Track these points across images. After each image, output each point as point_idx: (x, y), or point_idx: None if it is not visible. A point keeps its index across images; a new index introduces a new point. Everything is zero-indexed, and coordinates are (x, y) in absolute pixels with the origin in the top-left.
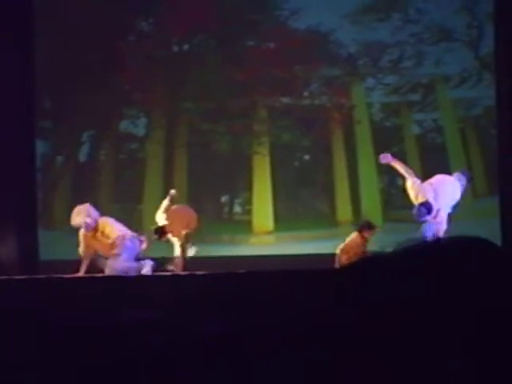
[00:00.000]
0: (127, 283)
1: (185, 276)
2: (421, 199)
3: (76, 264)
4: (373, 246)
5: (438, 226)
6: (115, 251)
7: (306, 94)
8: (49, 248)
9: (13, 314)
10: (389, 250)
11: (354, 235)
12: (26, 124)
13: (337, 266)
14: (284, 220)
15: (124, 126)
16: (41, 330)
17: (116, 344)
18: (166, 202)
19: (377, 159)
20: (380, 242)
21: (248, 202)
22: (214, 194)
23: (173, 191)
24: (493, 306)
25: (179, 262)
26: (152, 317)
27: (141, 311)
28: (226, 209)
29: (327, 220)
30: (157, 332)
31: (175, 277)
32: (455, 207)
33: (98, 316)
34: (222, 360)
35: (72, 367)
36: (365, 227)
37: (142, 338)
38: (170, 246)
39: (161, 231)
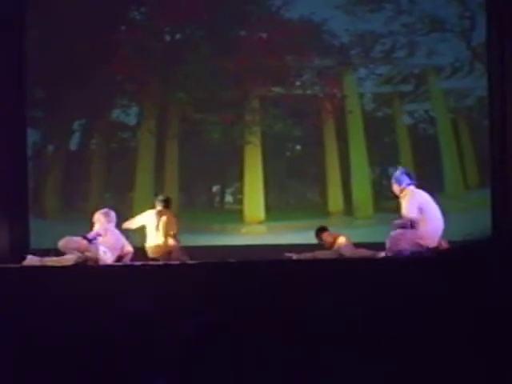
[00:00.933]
0: (118, 272)
1: (175, 265)
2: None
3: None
4: (364, 238)
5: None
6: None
7: (297, 83)
8: (40, 237)
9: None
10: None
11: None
12: (17, 113)
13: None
14: (275, 210)
15: (115, 115)
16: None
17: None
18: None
19: (368, 150)
20: (372, 232)
21: (239, 191)
22: (206, 184)
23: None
24: None
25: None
26: (143, 306)
27: (132, 301)
28: (218, 198)
29: (318, 210)
30: (148, 322)
31: (166, 266)
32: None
33: (87, 305)
34: (212, 349)
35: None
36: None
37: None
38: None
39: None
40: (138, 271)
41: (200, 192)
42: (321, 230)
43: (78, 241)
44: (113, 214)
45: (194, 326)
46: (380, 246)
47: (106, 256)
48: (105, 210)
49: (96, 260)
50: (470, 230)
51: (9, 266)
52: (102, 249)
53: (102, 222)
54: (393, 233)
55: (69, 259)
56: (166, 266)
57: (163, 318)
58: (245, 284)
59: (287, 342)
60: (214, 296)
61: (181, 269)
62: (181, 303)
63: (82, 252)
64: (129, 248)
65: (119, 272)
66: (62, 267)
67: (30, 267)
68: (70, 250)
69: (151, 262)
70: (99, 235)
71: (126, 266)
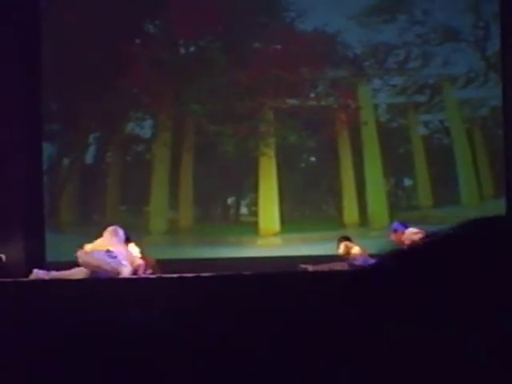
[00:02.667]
0: (133, 285)
1: (191, 278)
2: None
3: None
4: (380, 249)
5: None
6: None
7: (312, 95)
8: (55, 250)
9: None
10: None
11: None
12: (33, 126)
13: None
14: (290, 222)
15: (130, 128)
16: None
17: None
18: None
19: (383, 161)
20: (387, 243)
21: (254, 203)
22: (221, 196)
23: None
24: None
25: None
26: (158, 318)
27: (147, 313)
28: (233, 210)
29: (334, 222)
30: (163, 333)
31: (181, 278)
32: None
33: (104, 317)
34: (229, 360)
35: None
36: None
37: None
38: None
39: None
40: (153, 284)
41: (215, 204)
42: (342, 240)
43: (99, 257)
44: (121, 232)
45: (209, 338)
46: None
47: (127, 269)
48: (113, 227)
49: (117, 274)
50: None
51: (25, 279)
52: (123, 262)
53: (109, 239)
54: None
55: (77, 273)
56: (180, 277)
57: (177, 330)
58: (260, 296)
59: (299, 354)
60: (229, 308)
61: (196, 281)
62: (196, 316)
63: (100, 267)
64: (139, 261)
65: (130, 285)
66: (78, 280)
67: (46, 280)
68: (91, 266)
69: (165, 275)
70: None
71: (137, 279)
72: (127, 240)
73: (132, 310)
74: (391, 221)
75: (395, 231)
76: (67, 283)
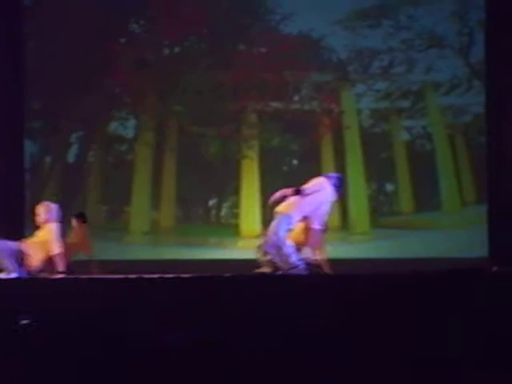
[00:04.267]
0: (117, 284)
1: (171, 278)
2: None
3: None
4: (361, 253)
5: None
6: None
7: (295, 98)
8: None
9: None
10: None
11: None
12: (15, 124)
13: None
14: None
15: (113, 127)
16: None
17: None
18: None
19: (365, 165)
20: (368, 248)
21: (236, 205)
22: (203, 197)
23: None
24: None
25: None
26: (138, 319)
27: (129, 313)
28: (214, 212)
29: None
30: (142, 333)
31: (161, 279)
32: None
33: (84, 317)
34: (206, 363)
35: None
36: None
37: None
38: None
39: None
40: (133, 284)
41: (197, 205)
42: None
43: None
44: (54, 209)
45: (184, 340)
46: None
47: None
48: (46, 203)
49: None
50: (467, 246)
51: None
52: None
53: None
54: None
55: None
56: (160, 278)
57: (154, 331)
58: (240, 298)
59: (281, 357)
60: (208, 310)
61: (177, 282)
62: (174, 317)
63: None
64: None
65: (113, 285)
66: (55, 279)
67: (24, 279)
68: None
69: (146, 276)
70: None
71: (114, 279)
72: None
73: (111, 311)
74: (373, 226)
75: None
76: (43, 281)
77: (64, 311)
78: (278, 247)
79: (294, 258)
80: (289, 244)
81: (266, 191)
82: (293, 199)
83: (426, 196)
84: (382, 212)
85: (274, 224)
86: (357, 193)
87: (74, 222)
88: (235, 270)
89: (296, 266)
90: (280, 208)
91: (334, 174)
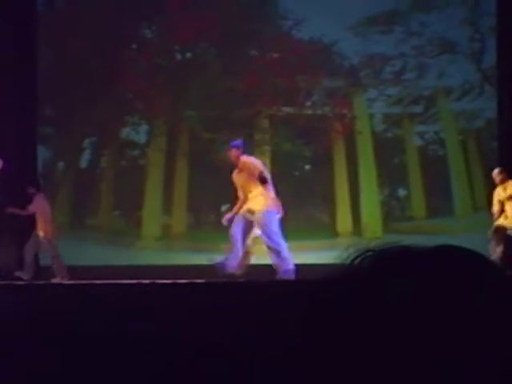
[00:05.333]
0: (126, 290)
1: (184, 284)
2: None
3: (74, 270)
4: None
5: None
6: None
7: (308, 104)
8: (49, 254)
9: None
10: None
11: None
12: (28, 130)
13: None
14: (284, 229)
15: (125, 133)
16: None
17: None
18: None
19: (377, 170)
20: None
21: None
22: (214, 203)
23: None
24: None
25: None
26: (151, 325)
27: (140, 320)
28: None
29: (327, 230)
30: (156, 339)
31: (174, 285)
32: None
33: (94, 322)
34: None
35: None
36: None
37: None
38: None
39: None
40: (145, 289)
41: (208, 211)
42: None
43: None
44: None
45: (194, 348)
46: None
47: None
48: None
49: None
50: (480, 250)
51: (18, 282)
52: None
53: None
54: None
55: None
56: (173, 284)
57: (165, 335)
58: (253, 304)
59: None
60: (220, 316)
61: (189, 288)
62: (189, 322)
63: None
64: None
65: (120, 290)
66: (71, 284)
67: (39, 284)
68: None
69: (159, 281)
70: None
71: (128, 285)
72: None
73: (124, 317)
74: (385, 231)
75: (233, 148)
76: (57, 286)
77: (73, 315)
78: (277, 252)
79: (289, 262)
80: (284, 246)
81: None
82: (258, 192)
83: (439, 201)
84: (394, 217)
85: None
86: (369, 198)
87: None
88: (247, 276)
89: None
90: (254, 206)
91: (239, 142)
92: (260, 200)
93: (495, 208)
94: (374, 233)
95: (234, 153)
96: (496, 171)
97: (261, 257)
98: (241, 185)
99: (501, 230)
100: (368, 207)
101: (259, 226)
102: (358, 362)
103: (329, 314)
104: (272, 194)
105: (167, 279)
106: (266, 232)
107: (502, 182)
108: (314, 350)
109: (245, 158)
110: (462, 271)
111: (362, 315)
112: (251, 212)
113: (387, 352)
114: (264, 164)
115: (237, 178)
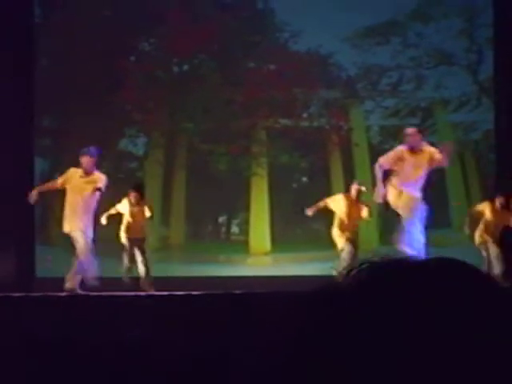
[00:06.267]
0: (124, 302)
1: (181, 296)
2: None
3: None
4: None
5: None
6: None
7: (304, 115)
8: (46, 264)
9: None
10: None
11: None
12: (26, 141)
13: None
14: (281, 241)
15: (123, 144)
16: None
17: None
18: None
19: (374, 182)
20: None
21: (245, 222)
22: (212, 214)
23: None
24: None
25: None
26: (147, 336)
27: (137, 331)
28: (224, 229)
29: (324, 242)
30: (152, 351)
31: (171, 296)
32: None
33: (93, 334)
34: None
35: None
36: None
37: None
38: None
39: None
40: (143, 301)
41: (206, 222)
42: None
43: None
44: None
45: (194, 358)
46: None
47: None
48: None
49: None
50: (478, 263)
51: (14, 294)
52: None
53: None
54: None
55: None
56: (169, 296)
57: (162, 347)
58: (249, 316)
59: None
60: (216, 327)
61: (186, 299)
62: (185, 334)
63: None
64: None
65: (118, 302)
66: (67, 296)
67: (35, 296)
68: None
69: (156, 293)
70: None
71: (127, 297)
72: None
73: (123, 327)
74: (380, 244)
75: (88, 155)
76: (54, 298)
77: (72, 329)
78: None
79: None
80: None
81: (275, 208)
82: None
83: (436, 213)
84: (390, 229)
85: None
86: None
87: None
88: (245, 287)
89: None
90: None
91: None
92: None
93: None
94: (371, 245)
95: (87, 160)
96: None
97: (258, 269)
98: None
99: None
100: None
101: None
102: (353, 370)
103: (325, 323)
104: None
105: (165, 291)
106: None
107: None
108: (309, 360)
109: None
110: (453, 283)
111: (356, 325)
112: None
113: (382, 360)
114: (261, 177)
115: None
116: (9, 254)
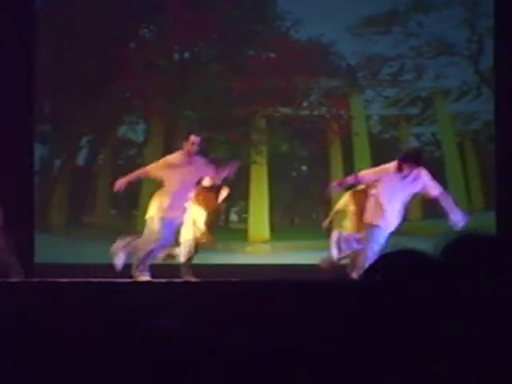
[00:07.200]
0: (123, 289)
1: (178, 283)
2: None
3: (71, 268)
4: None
5: None
6: None
7: (305, 104)
8: (44, 251)
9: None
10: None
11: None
12: (25, 127)
13: None
14: (280, 230)
15: (123, 131)
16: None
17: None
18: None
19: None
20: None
21: (244, 210)
22: None
23: None
24: None
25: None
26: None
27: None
28: (222, 217)
29: (323, 231)
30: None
31: (169, 284)
32: None
33: (89, 320)
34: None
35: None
36: None
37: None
38: None
39: None
40: (141, 288)
41: None
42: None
43: None
44: None
45: (191, 348)
46: None
47: None
48: None
49: None
50: None
51: (13, 280)
52: None
53: None
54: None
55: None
56: (167, 283)
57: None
58: (248, 304)
59: (287, 368)
60: (215, 315)
61: (183, 286)
62: (181, 322)
63: None
64: None
65: (121, 289)
66: (66, 282)
67: (34, 282)
68: None
69: (155, 280)
70: None
71: (128, 282)
72: None
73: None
74: None
75: None
76: (53, 284)
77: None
78: None
79: None
80: None
81: (275, 196)
82: None
83: (434, 203)
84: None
85: None
86: None
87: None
88: (243, 275)
89: None
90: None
91: None
92: None
93: None
94: None
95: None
96: None
97: (257, 257)
98: None
99: None
100: None
101: None
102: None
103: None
104: None
105: (164, 278)
106: None
107: None
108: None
109: None
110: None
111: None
112: None
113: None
114: (260, 165)
115: None
116: (8, 240)
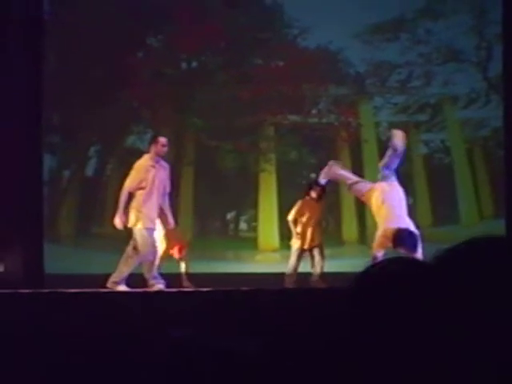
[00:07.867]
0: (131, 298)
1: (189, 292)
2: None
3: (80, 278)
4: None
5: None
6: None
7: (313, 112)
8: (54, 262)
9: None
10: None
11: None
12: (34, 138)
13: None
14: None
15: (131, 141)
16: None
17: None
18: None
19: None
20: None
21: (254, 219)
22: (220, 211)
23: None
24: None
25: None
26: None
27: (143, 327)
28: (232, 226)
29: (332, 239)
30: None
31: (178, 293)
32: None
33: (99, 331)
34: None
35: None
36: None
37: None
38: None
39: None
40: (152, 298)
41: (214, 219)
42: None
43: None
44: None
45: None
46: None
47: None
48: None
49: None
50: None
51: (23, 290)
52: None
53: None
54: None
55: None
56: (177, 292)
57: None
58: (256, 312)
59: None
60: (225, 324)
61: (194, 296)
62: (192, 331)
63: None
64: None
65: (129, 297)
66: (76, 292)
67: (44, 292)
68: None
69: (165, 290)
70: None
71: (137, 292)
72: None
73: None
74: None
75: None
76: (63, 295)
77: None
78: None
79: None
80: None
81: (284, 204)
82: None
83: (444, 210)
84: None
85: None
86: None
87: None
88: (253, 284)
89: None
90: None
91: None
92: None
93: None
94: None
95: None
96: None
97: (266, 265)
98: None
99: None
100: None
101: None
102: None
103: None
104: None
105: (172, 288)
106: None
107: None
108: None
109: None
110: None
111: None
112: None
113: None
114: (269, 173)
115: None
116: (17, 250)
